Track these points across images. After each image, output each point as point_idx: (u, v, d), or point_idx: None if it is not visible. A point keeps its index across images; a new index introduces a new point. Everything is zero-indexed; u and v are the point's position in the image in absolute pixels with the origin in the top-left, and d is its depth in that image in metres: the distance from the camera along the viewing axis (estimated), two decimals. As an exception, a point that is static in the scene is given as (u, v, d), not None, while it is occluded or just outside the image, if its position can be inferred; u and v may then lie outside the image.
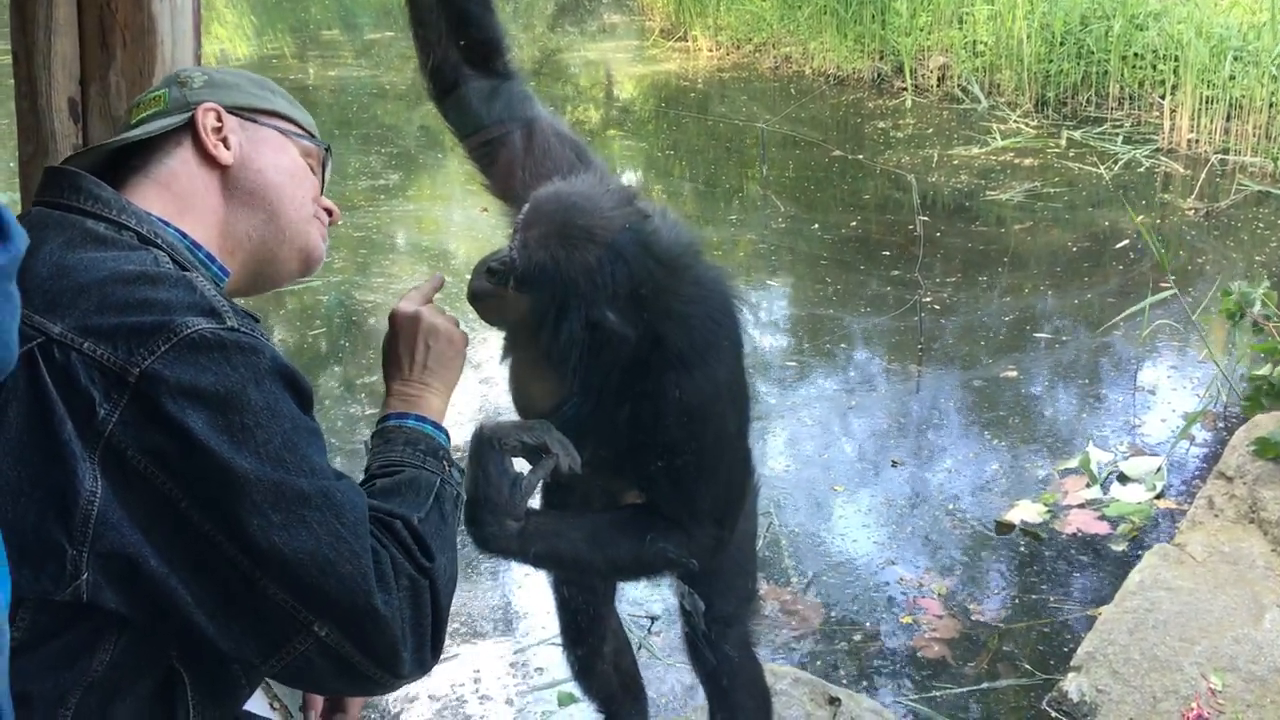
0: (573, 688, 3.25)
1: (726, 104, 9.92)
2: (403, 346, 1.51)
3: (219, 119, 1.43)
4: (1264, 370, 3.46)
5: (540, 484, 1.60)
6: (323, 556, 1.16)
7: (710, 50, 11.69)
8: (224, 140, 1.42)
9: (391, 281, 6.44)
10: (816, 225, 6.92)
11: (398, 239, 7.23)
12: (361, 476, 1.37)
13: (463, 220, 7.48)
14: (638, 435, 1.63)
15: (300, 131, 1.53)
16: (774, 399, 4.87)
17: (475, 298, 1.62)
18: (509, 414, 1.85)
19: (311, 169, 1.53)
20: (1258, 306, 3.24)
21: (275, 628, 1.18)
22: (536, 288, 1.55)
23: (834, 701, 2.50)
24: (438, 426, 1.44)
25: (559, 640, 3.43)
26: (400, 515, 1.27)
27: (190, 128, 1.42)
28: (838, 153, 8.28)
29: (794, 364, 5.28)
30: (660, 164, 8.52)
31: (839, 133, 8.87)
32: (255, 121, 1.47)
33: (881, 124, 8.98)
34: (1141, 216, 6.80)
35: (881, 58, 10.17)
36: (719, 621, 1.96)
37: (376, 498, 1.30)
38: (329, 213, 1.55)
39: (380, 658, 1.20)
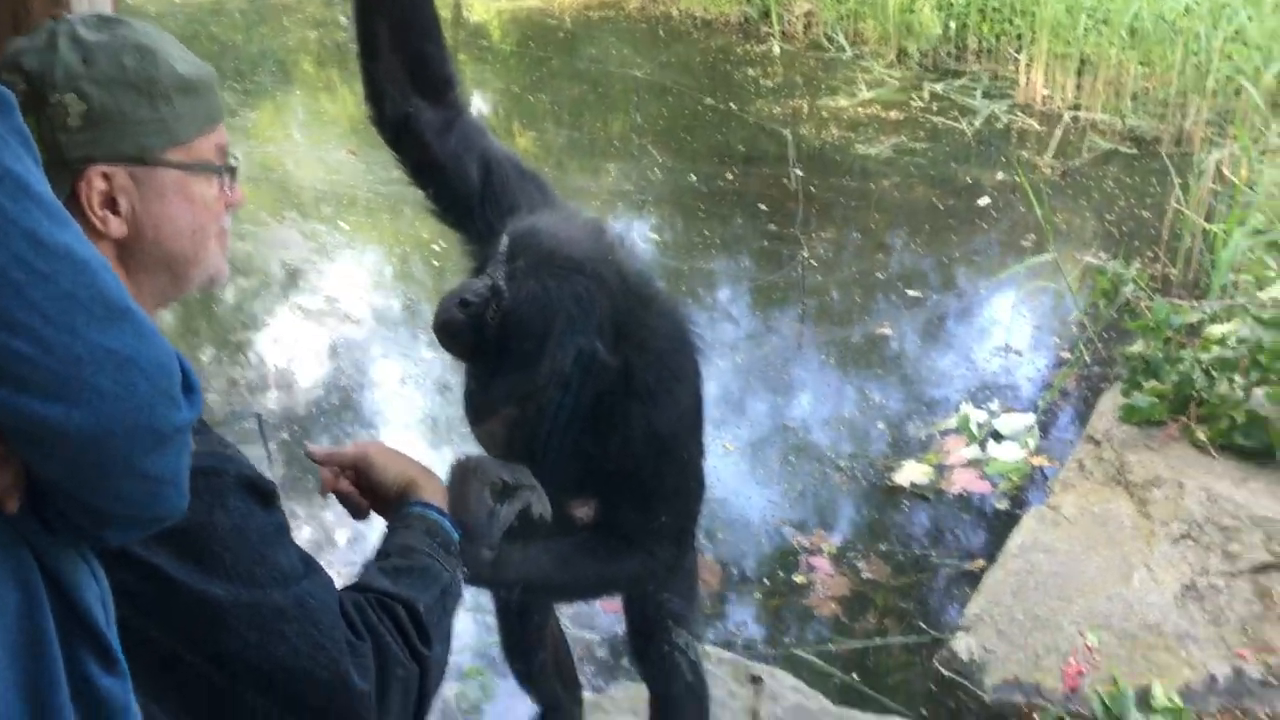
0: (480, 663, 3.31)
1: (595, 45, 9.82)
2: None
3: (105, 178, 1.21)
4: (1137, 347, 3.69)
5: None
6: (301, 668, 1.18)
7: (576, -14, 11.52)
8: (113, 203, 1.23)
9: (259, 228, 6.23)
10: (693, 176, 6.97)
11: (263, 183, 6.97)
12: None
13: (332, 162, 7.25)
14: (602, 463, 1.68)
15: (203, 162, 1.30)
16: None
17: (446, 331, 1.61)
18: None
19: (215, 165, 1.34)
20: (1130, 286, 3.45)
21: None
22: (526, 318, 1.55)
23: (756, 680, 2.60)
24: (455, 526, 1.44)
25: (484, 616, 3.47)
26: (404, 600, 1.28)
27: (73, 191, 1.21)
28: (709, 101, 8.32)
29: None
30: (530, 108, 8.40)
31: (709, 80, 8.90)
32: (147, 164, 1.24)
33: (750, 71, 9.05)
34: (1001, 175, 7.08)
35: (749, 1, 10.20)
36: (670, 621, 2.02)
37: (388, 576, 1.31)
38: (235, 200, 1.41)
39: None
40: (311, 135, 7.95)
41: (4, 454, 0.92)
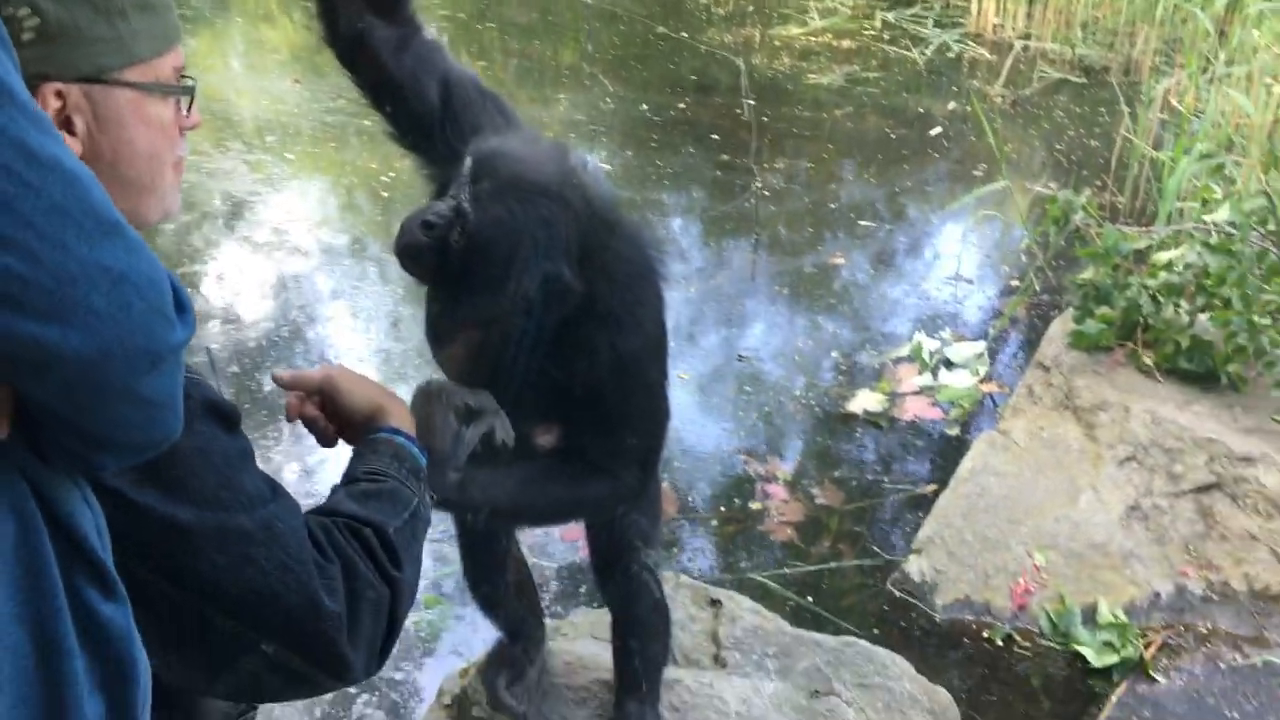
0: (438, 593, 3.33)
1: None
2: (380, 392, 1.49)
3: (60, 96, 1.16)
4: (1087, 274, 3.74)
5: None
6: (270, 590, 1.17)
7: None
8: (69, 123, 1.18)
9: (203, 160, 6.09)
10: (645, 106, 6.90)
11: (204, 113, 6.78)
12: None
13: (275, 91, 7.08)
14: (566, 388, 1.68)
15: (160, 82, 1.26)
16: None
17: (408, 254, 1.58)
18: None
19: (175, 82, 1.31)
20: (1079, 214, 3.49)
21: (222, 653, 1.19)
22: (491, 241, 1.53)
23: (715, 604, 2.63)
24: (423, 451, 1.43)
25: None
26: (373, 523, 1.27)
27: None
28: (661, 29, 8.22)
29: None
30: (478, 36, 8.25)
31: (660, 7, 8.79)
32: (104, 82, 1.19)
33: (702, -1, 8.96)
34: (952, 104, 7.09)
35: (699, -73, 10.04)
36: (637, 541, 2.03)
37: (356, 500, 1.30)
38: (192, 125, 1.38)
39: (329, 668, 1.23)
40: (253, 64, 7.75)
41: None
